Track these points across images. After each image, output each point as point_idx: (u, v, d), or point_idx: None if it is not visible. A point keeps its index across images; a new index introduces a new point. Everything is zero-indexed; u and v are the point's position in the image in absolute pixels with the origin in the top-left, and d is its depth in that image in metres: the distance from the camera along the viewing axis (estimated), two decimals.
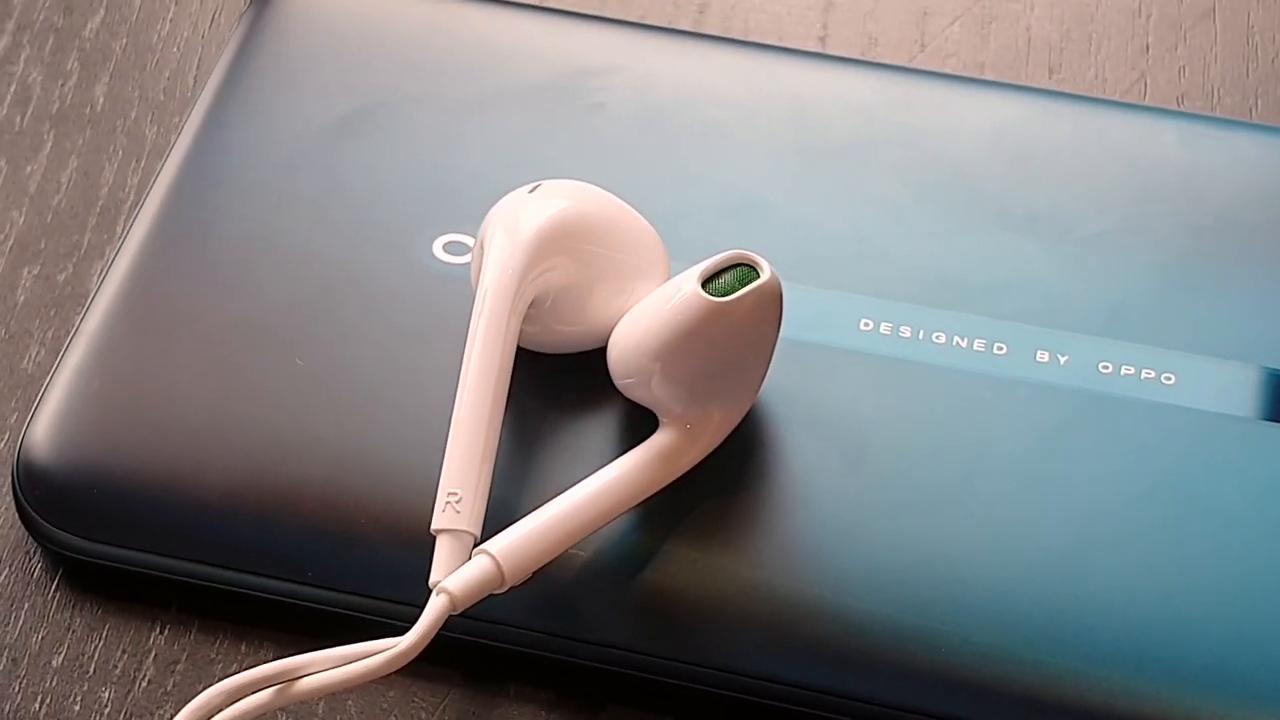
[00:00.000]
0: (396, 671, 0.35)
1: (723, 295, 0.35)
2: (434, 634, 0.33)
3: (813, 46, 0.45)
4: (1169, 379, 0.37)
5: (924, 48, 0.45)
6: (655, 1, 0.46)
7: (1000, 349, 0.38)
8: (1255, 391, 0.37)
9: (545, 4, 0.44)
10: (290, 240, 0.40)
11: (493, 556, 0.33)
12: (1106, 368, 0.37)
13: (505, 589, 0.34)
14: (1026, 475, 0.36)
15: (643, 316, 0.36)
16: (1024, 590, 0.35)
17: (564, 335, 0.37)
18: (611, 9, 0.46)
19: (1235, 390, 0.37)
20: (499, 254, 0.36)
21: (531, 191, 0.37)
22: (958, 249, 0.39)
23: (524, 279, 0.36)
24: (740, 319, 0.35)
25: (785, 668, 0.35)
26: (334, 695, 0.36)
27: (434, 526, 0.34)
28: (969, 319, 0.38)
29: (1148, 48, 0.44)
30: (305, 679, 0.33)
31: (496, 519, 0.35)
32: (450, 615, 0.33)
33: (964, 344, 0.38)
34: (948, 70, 0.43)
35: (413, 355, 0.38)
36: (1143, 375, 0.37)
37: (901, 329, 0.38)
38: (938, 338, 0.38)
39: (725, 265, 0.35)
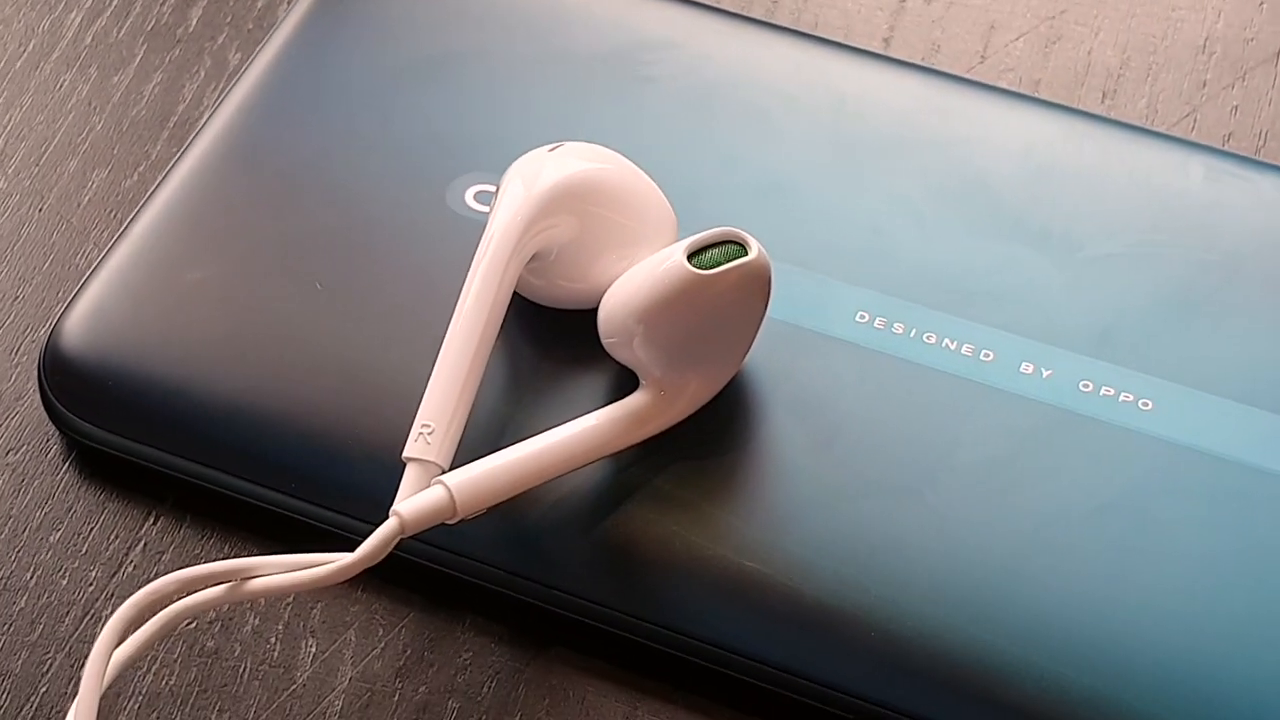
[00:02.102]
0: (361, 588, 0.37)
1: (707, 268, 0.36)
2: (381, 553, 0.35)
3: (875, 47, 0.46)
4: (1146, 404, 0.38)
5: (984, 60, 0.46)
6: None
7: (987, 356, 0.39)
8: (1229, 428, 0.37)
9: None
10: (333, 172, 0.42)
11: (447, 487, 0.35)
12: (1087, 386, 0.38)
13: (456, 520, 0.35)
14: (987, 478, 0.37)
15: (632, 280, 0.37)
16: (966, 583, 0.36)
17: (565, 291, 0.39)
18: None
19: (1209, 424, 0.37)
20: (509, 204, 0.38)
21: (551, 150, 0.39)
22: (966, 255, 0.40)
23: (527, 230, 0.37)
24: (722, 293, 0.36)
25: (726, 633, 0.36)
26: (301, 602, 0.38)
27: (404, 454, 0.36)
28: (963, 323, 0.39)
29: (1204, 84, 0.45)
30: (256, 580, 0.35)
31: (470, 454, 0.36)
32: (400, 537, 0.35)
33: (953, 346, 0.39)
34: (1000, 84, 0.44)
35: (423, 294, 0.39)
36: (1121, 398, 0.38)
37: (895, 325, 0.39)
38: (928, 337, 0.39)
39: (718, 240, 0.37)
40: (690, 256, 0.36)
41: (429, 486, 0.35)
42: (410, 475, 0.36)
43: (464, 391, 0.36)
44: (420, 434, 0.36)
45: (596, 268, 0.38)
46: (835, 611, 0.36)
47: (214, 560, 0.36)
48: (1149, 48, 0.46)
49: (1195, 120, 0.44)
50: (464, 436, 0.36)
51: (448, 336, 0.37)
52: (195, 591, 0.35)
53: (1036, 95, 0.43)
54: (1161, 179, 0.41)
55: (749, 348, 0.38)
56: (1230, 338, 0.39)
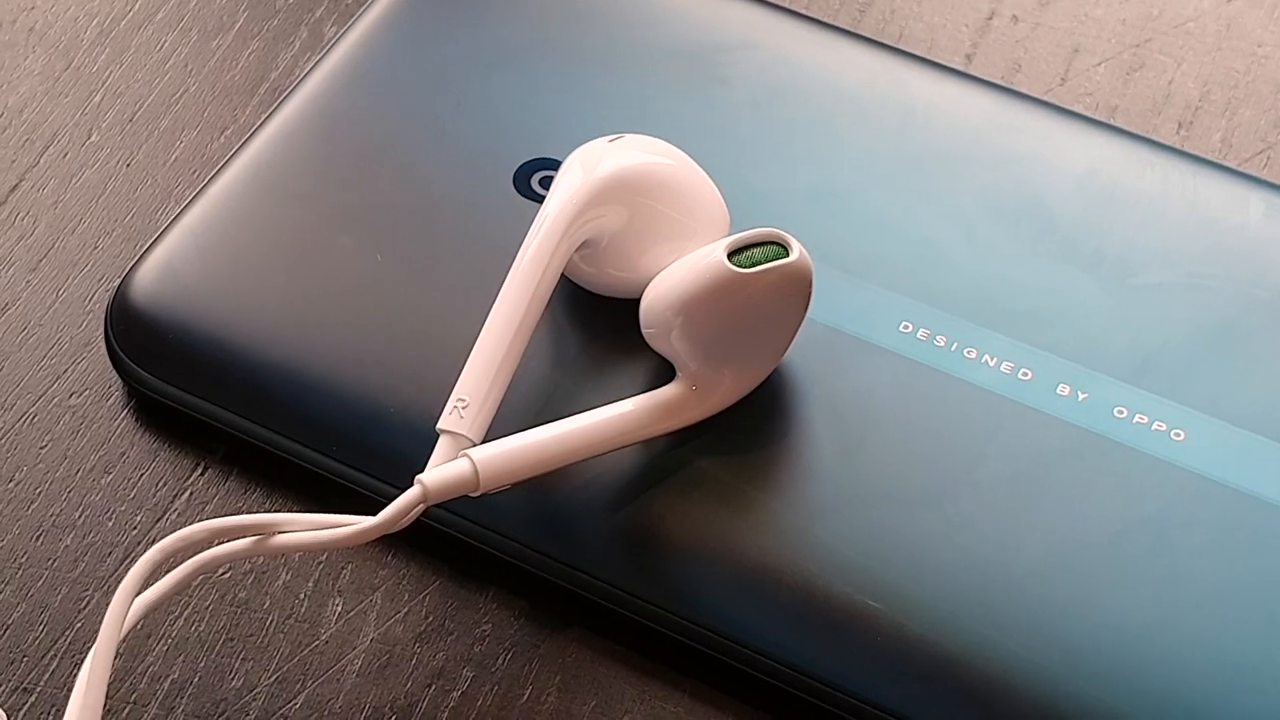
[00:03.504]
0: (392, 553, 0.38)
1: (746, 267, 0.37)
2: (400, 519, 0.36)
3: (956, 63, 0.46)
4: (1178, 435, 0.38)
5: (1064, 82, 0.46)
6: None
7: (1026, 374, 0.39)
8: (1258, 465, 0.37)
9: None
10: (406, 149, 0.43)
11: (472, 461, 0.36)
12: (1121, 412, 0.38)
13: (480, 493, 0.36)
14: (1008, 495, 0.37)
15: (674, 273, 0.38)
16: (977, 596, 0.36)
17: (615, 279, 0.39)
18: None
19: (1239, 460, 0.38)
20: (565, 189, 0.39)
21: (612, 141, 0.39)
22: (1016, 274, 0.40)
23: (579, 216, 0.38)
24: (760, 292, 0.37)
25: (739, 625, 0.37)
26: (333, 562, 0.39)
27: (438, 426, 0.37)
28: (1005, 341, 0.39)
29: None
30: (281, 536, 0.36)
31: (506, 430, 0.37)
32: (423, 505, 0.36)
33: (992, 363, 0.39)
34: (1075, 107, 0.44)
35: (479, 273, 0.40)
36: (1154, 426, 0.38)
37: (938, 338, 0.39)
38: (969, 352, 0.39)
39: (761, 240, 0.37)
40: (732, 254, 0.37)
41: (456, 459, 0.36)
42: (441, 446, 0.37)
43: (501, 369, 0.37)
44: (455, 407, 0.37)
45: (646, 259, 0.39)
46: (846, 613, 0.36)
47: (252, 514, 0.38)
48: (1230, 81, 0.46)
49: (1269, 157, 0.44)
50: (500, 413, 0.37)
51: (491, 315, 0.38)
52: (223, 542, 0.36)
53: (1107, 121, 0.43)
54: (1220, 213, 0.41)
55: (786, 348, 0.38)
56: (1270, 375, 0.39)
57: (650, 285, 0.38)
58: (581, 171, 0.39)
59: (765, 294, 0.37)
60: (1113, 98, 0.45)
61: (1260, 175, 0.43)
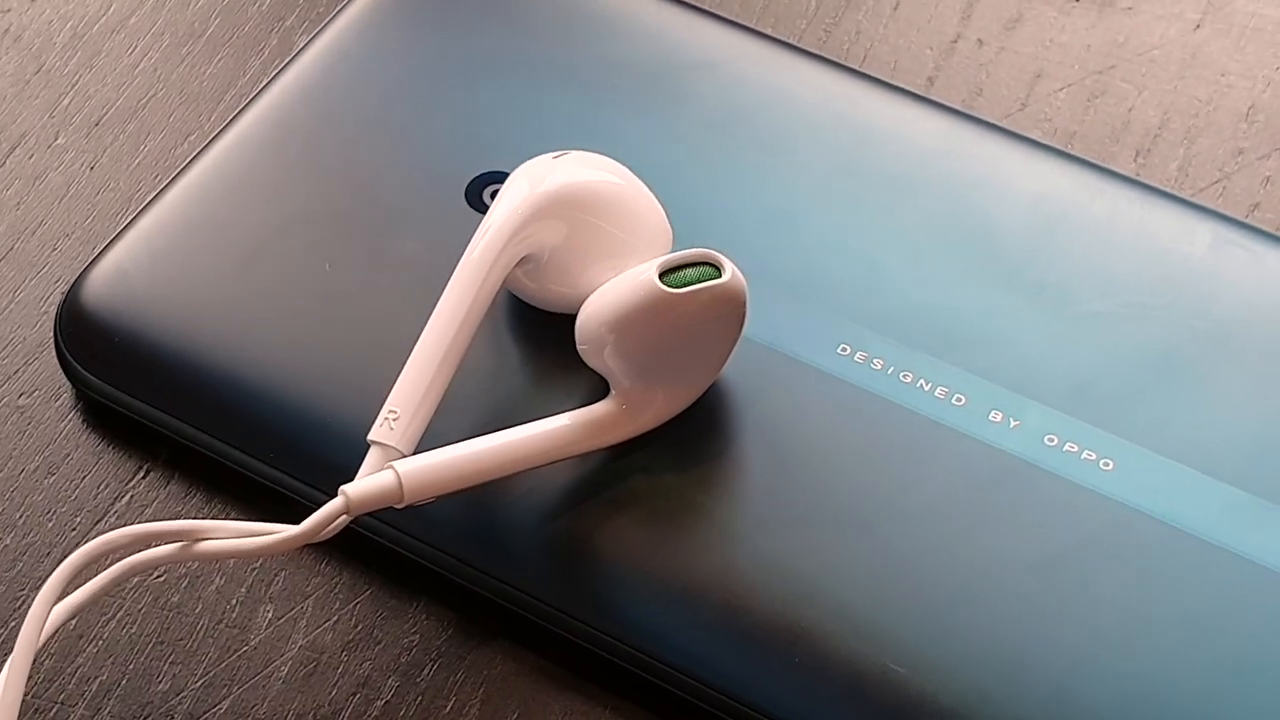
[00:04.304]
0: (326, 561, 0.39)
1: (677, 287, 0.37)
2: (322, 528, 0.36)
3: (917, 86, 0.46)
4: (1107, 465, 0.38)
5: (1024, 107, 0.46)
6: (790, 16, 0.48)
7: (959, 400, 0.39)
8: (1186, 497, 0.37)
9: None
10: (360, 159, 0.43)
11: (397, 473, 0.36)
12: (1052, 440, 0.38)
13: (404, 505, 0.36)
14: (937, 520, 0.37)
15: (608, 290, 0.38)
16: (903, 618, 0.36)
17: (556, 295, 0.40)
18: (747, 13, 0.47)
19: (1167, 491, 0.37)
20: (505, 205, 0.39)
21: (557, 157, 0.40)
22: (957, 299, 0.40)
23: (519, 230, 0.38)
24: (690, 312, 0.37)
25: (666, 644, 0.37)
26: (266, 568, 0.39)
27: (369, 437, 0.37)
28: (941, 366, 0.39)
29: (1241, 151, 0.45)
30: (204, 542, 0.36)
31: (439, 442, 0.37)
32: (346, 516, 0.36)
33: (927, 387, 0.39)
34: (1032, 134, 0.44)
35: (427, 286, 0.40)
36: (1084, 455, 0.38)
37: (875, 361, 0.39)
38: (905, 376, 0.39)
39: (695, 260, 0.37)
40: (664, 274, 0.37)
41: (382, 470, 0.37)
42: (371, 457, 0.37)
43: (435, 381, 0.37)
44: (385, 419, 0.37)
45: (586, 275, 0.39)
46: (771, 634, 0.37)
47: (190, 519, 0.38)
48: (1191, 110, 0.45)
49: (1224, 187, 0.44)
50: (438, 425, 0.38)
51: (426, 327, 0.38)
52: (147, 548, 0.36)
53: (1063, 148, 0.43)
54: (1167, 243, 0.41)
55: (720, 367, 0.38)
56: (1203, 407, 0.39)
57: (586, 301, 0.38)
58: (524, 186, 0.39)
59: (696, 314, 0.37)
60: (1072, 124, 0.45)
61: (1213, 206, 0.43)
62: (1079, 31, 0.47)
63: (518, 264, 0.39)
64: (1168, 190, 0.42)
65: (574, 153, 0.40)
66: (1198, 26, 0.47)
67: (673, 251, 0.39)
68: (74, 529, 0.40)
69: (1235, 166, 0.44)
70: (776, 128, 0.43)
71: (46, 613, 0.35)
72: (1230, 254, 0.41)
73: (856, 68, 0.45)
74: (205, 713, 0.38)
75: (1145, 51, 0.47)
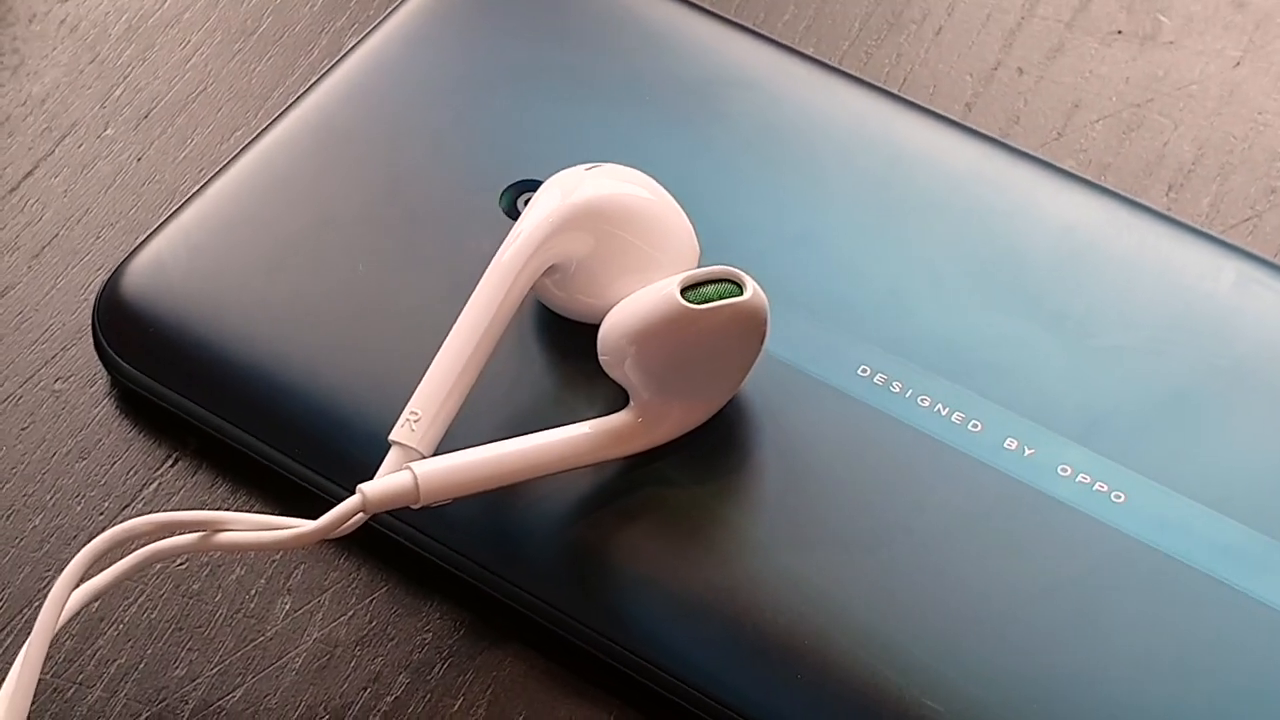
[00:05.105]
0: (344, 556, 0.40)
1: (699, 303, 0.37)
2: (338, 525, 0.37)
3: (954, 112, 0.46)
4: (1119, 497, 0.38)
5: (1060, 137, 0.46)
6: (832, 36, 0.48)
7: (975, 426, 0.39)
8: (1195, 533, 0.38)
9: (732, 16, 0.47)
10: (399, 163, 0.44)
11: (414, 474, 0.37)
12: (1065, 470, 0.39)
13: (419, 505, 0.37)
14: (946, 544, 0.38)
15: (631, 303, 0.38)
16: (907, 640, 0.37)
17: (582, 305, 0.40)
18: (790, 32, 0.48)
19: (1176, 526, 0.38)
20: (535, 214, 0.39)
21: (589, 169, 0.40)
22: (977, 326, 0.41)
23: (546, 240, 0.39)
24: (711, 329, 0.37)
25: (673, 654, 0.38)
26: (286, 561, 0.40)
27: (390, 437, 0.38)
28: (960, 391, 0.40)
29: (1273, 190, 0.45)
30: (224, 533, 0.37)
31: (462, 443, 0.38)
32: (362, 514, 0.37)
33: (944, 412, 0.39)
34: (1065, 164, 0.44)
35: (458, 291, 0.41)
36: (1096, 487, 0.38)
37: (894, 384, 0.40)
38: (923, 400, 0.40)
39: (717, 278, 0.38)
40: (686, 290, 0.38)
41: (400, 470, 0.37)
42: (391, 457, 0.38)
43: (457, 384, 0.38)
44: (407, 420, 0.38)
45: (613, 287, 0.40)
46: (777, 650, 0.37)
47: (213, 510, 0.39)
48: (1226, 147, 0.46)
49: (1255, 225, 0.44)
50: (459, 428, 0.38)
51: (452, 331, 0.39)
52: (170, 536, 0.37)
53: (1095, 180, 0.44)
54: (1192, 279, 0.41)
55: (739, 384, 0.39)
56: (1218, 445, 0.39)
57: (610, 313, 0.39)
58: (555, 197, 0.40)
59: (716, 331, 0.38)
60: (1106, 155, 0.46)
61: (1242, 244, 0.43)
62: (1119, 64, 0.47)
63: (545, 273, 0.40)
64: (1197, 226, 0.43)
65: (607, 165, 0.40)
66: (1238, 64, 0.47)
67: (699, 267, 0.40)
68: (102, 513, 0.41)
69: (1267, 205, 0.45)
70: (810, 148, 0.44)
71: (67, 595, 0.36)
72: (1255, 293, 0.41)
73: (895, 91, 0.46)
74: (218, 700, 0.38)
75: (1184, 86, 0.47)
